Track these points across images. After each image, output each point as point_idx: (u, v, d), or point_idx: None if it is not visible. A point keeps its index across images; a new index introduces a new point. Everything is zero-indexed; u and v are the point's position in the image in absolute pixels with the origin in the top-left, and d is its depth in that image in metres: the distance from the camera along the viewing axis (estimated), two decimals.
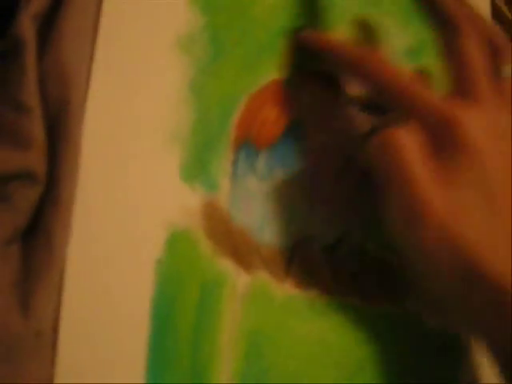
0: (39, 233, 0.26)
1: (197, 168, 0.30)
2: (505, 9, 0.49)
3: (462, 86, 0.31)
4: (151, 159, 0.29)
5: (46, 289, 0.25)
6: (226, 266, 0.30)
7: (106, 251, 0.27)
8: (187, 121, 0.30)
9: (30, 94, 0.26)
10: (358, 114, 0.34)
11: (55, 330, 0.25)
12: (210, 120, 0.31)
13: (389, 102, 0.32)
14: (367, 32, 0.37)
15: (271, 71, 0.33)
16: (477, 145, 0.29)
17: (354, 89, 0.35)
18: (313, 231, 0.32)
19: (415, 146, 0.29)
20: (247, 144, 0.32)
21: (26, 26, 0.26)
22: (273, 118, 0.33)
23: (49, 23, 0.28)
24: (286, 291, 0.31)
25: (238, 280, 0.30)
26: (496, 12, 0.49)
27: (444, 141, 0.29)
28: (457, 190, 0.28)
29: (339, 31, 0.36)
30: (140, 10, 0.31)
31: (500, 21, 0.49)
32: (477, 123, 0.29)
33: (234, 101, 0.32)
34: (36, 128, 0.26)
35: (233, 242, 0.30)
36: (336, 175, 0.34)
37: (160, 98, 0.30)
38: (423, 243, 0.28)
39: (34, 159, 0.26)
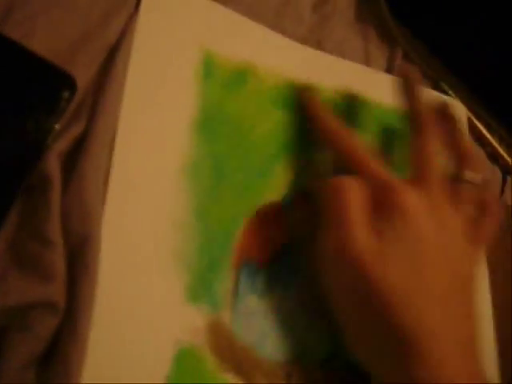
0: (56, 359, 0.27)
1: (201, 288, 0.32)
2: (502, 152, 0.53)
3: (412, 175, 0.35)
4: (159, 281, 0.31)
5: None
6: (231, 381, 0.31)
7: (119, 371, 0.29)
8: (192, 243, 0.33)
9: (55, 229, 0.28)
10: None
11: None
12: (213, 242, 0.33)
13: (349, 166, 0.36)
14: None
15: (269, 193, 0.36)
16: (411, 213, 0.33)
17: None
18: (310, 345, 0.34)
19: (357, 195, 0.33)
20: (248, 263, 0.34)
21: (53, 164, 0.29)
22: (270, 238, 0.35)
23: (72, 161, 0.30)
24: None
25: None
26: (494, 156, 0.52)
27: (383, 202, 0.33)
28: (385, 242, 0.32)
29: None
30: (147, 141, 0.34)
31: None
32: (415, 198, 0.33)
33: (236, 223, 0.35)
34: (58, 261, 0.28)
35: (236, 358, 0.32)
36: None
37: (167, 222, 0.32)
38: (341, 276, 0.32)
39: (56, 291, 0.27)
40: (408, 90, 0.38)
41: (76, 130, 0.31)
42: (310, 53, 0.42)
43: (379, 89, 0.44)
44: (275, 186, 0.37)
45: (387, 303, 0.30)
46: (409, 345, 0.30)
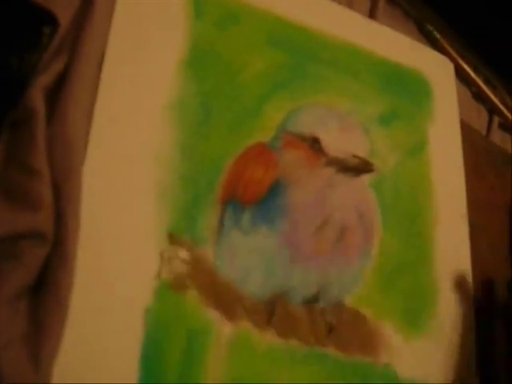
0: (47, 288, 0.27)
1: (185, 223, 0.32)
2: (488, 91, 0.52)
3: None
4: (142, 214, 0.31)
5: (55, 339, 0.27)
6: (211, 315, 0.31)
7: (101, 303, 0.29)
8: (176, 178, 0.33)
9: (40, 159, 0.28)
10: (335, 175, 0.37)
11: None
12: (198, 179, 0.33)
13: None
14: None
15: (256, 134, 0.36)
16: None
17: (333, 152, 0.37)
18: (293, 284, 0.34)
19: None
20: (233, 201, 0.34)
21: (37, 98, 0.29)
22: (257, 178, 0.35)
23: (55, 96, 0.30)
24: (267, 340, 0.32)
25: (222, 329, 0.31)
26: None
27: None
28: None
29: (319, 99, 0.39)
30: (134, 78, 0.34)
31: None
32: None
33: (222, 161, 0.35)
34: (45, 190, 0.28)
35: (218, 292, 0.32)
36: (315, 231, 0.36)
37: (152, 158, 0.33)
38: None
39: (43, 220, 0.28)
40: None
41: (58, 65, 0.31)
42: None
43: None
44: (264, 126, 0.37)
45: None
46: None
